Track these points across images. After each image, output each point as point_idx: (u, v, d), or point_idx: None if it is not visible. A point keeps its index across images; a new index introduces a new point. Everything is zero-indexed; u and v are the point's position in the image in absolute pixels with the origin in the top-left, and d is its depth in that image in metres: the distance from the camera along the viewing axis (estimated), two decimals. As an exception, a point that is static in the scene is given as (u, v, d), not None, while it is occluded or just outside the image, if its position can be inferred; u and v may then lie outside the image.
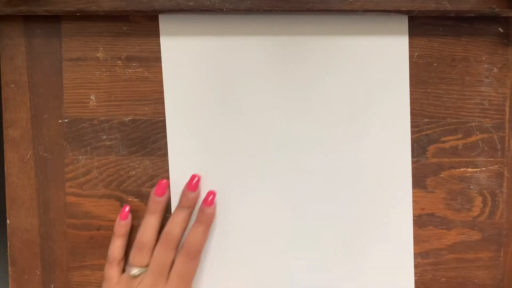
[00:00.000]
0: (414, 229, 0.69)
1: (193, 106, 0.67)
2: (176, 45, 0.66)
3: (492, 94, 0.69)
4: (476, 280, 0.70)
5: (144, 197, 0.68)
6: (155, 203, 0.65)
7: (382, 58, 0.68)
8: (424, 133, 0.69)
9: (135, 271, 0.64)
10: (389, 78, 0.68)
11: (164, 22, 0.65)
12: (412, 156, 0.69)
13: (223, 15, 0.66)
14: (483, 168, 0.69)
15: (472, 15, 0.65)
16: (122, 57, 0.66)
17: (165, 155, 0.68)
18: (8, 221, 0.67)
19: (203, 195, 0.67)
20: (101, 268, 0.68)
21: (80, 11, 0.63)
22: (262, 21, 0.66)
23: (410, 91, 0.68)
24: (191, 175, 0.67)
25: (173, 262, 0.64)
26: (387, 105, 0.68)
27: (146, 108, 0.67)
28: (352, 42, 0.67)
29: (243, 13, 0.65)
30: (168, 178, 0.68)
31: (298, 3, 0.63)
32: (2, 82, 0.66)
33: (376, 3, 0.64)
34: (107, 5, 0.63)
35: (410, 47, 0.68)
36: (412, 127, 0.69)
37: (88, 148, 0.67)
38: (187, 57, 0.66)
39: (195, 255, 0.64)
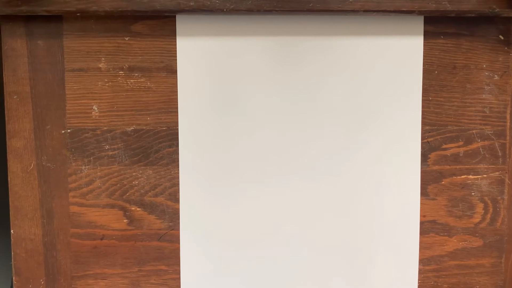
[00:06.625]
0: (415, 237, 0.70)
1: (198, 106, 0.67)
2: (186, 46, 0.67)
3: (493, 101, 0.69)
4: (478, 287, 0.70)
5: (147, 207, 0.68)
6: None
7: (391, 60, 0.67)
8: (425, 140, 0.69)
9: None
10: (401, 81, 0.68)
11: (180, 23, 0.66)
12: (414, 164, 0.69)
13: (224, 15, 0.66)
14: (484, 175, 0.70)
15: (473, 15, 0.65)
16: (124, 67, 0.67)
17: (167, 164, 0.68)
18: (12, 231, 0.67)
19: (218, 207, 0.68)
20: (104, 277, 0.69)
21: (81, 11, 0.63)
22: (263, 21, 0.66)
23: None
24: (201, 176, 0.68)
25: None
26: (397, 110, 0.68)
27: (148, 118, 0.67)
28: (359, 43, 0.67)
29: (244, 13, 0.65)
30: (172, 186, 0.68)
31: (299, 3, 0.63)
32: (5, 93, 0.66)
33: (376, 3, 0.64)
34: (107, 5, 0.63)
35: (411, 55, 0.69)
36: (413, 135, 0.69)
37: (91, 158, 0.67)
38: (187, 57, 0.67)
39: None
